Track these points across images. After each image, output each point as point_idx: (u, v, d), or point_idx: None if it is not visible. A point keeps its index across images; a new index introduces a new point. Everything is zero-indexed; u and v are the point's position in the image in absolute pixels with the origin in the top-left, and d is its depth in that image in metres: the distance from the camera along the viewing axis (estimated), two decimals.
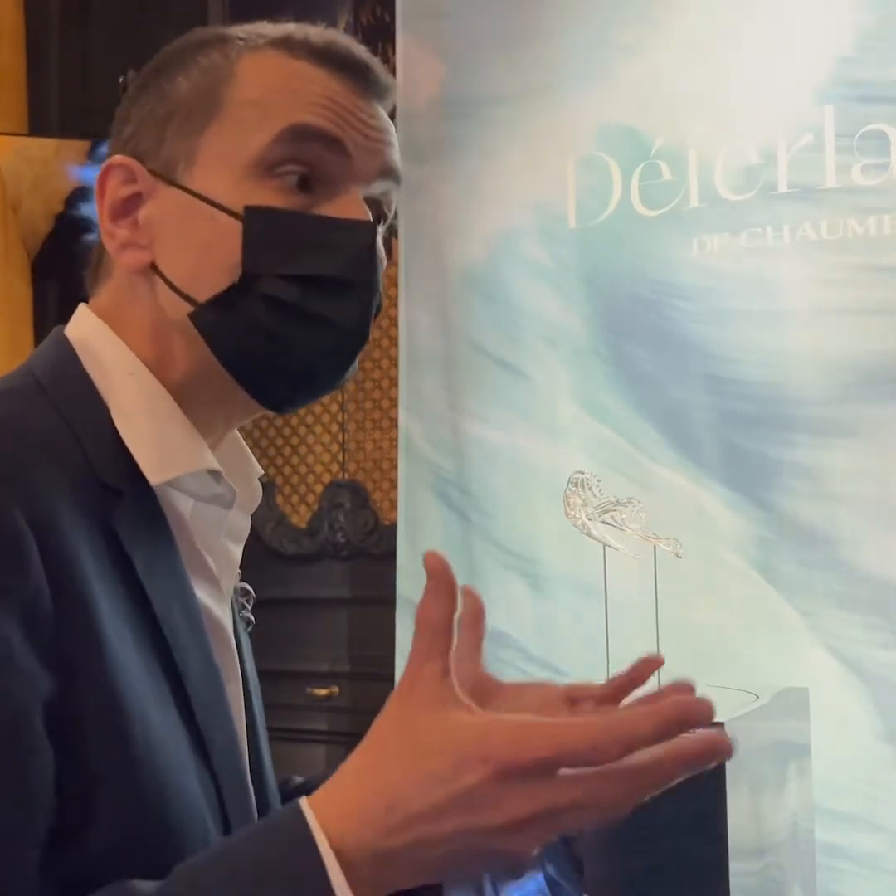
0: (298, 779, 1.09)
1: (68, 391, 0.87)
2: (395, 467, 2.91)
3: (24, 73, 3.62)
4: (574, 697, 0.84)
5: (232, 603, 0.97)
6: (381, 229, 0.93)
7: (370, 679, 3.11)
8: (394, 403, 3.00)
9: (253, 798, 0.90)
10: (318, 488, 3.42)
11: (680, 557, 1.92)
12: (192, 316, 0.87)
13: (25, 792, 0.72)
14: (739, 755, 1.82)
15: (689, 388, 2.48)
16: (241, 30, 0.92)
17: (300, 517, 3.44)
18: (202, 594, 0.88)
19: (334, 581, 3.35)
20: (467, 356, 2.75)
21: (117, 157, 0.91)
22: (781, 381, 2.39)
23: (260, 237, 0.86)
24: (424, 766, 0.66)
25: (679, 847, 1.76)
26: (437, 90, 2.81)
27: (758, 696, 1.98)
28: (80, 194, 3.41)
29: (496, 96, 2.72)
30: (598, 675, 2.26)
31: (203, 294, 0.87)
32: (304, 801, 0.67)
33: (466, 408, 2.75)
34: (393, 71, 3.01)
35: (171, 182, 0.89)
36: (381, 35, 3.28)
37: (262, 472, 1.00)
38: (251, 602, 1.02)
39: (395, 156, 0.92)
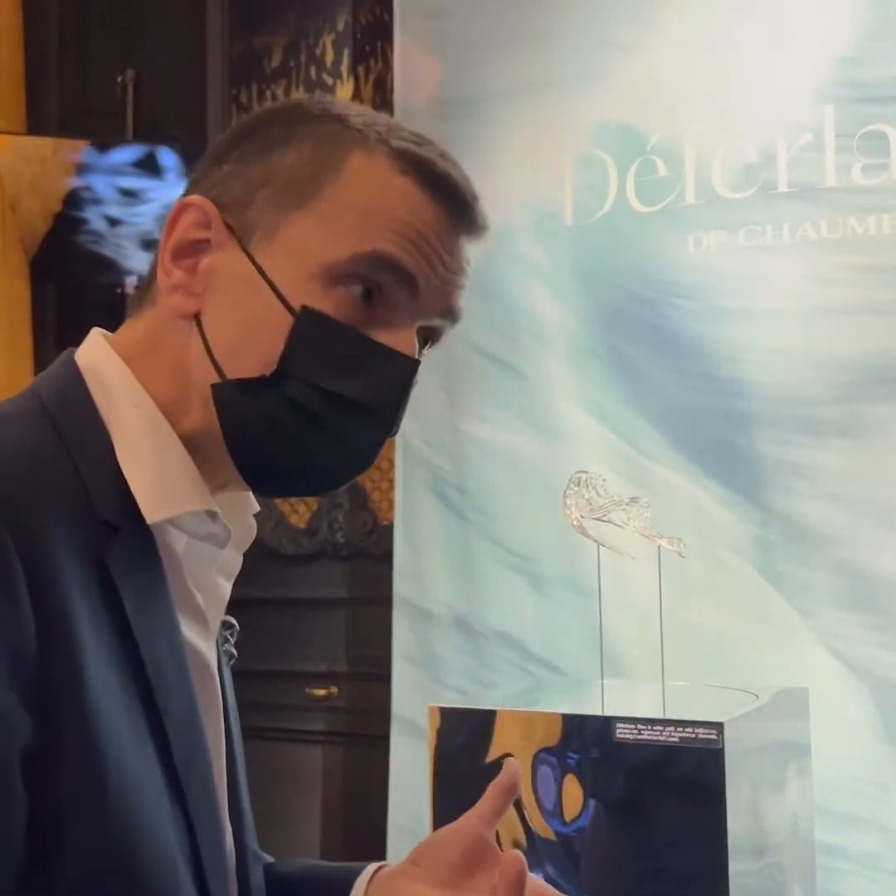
0: (268, 858, 1.08)
1: (72, 416, 0.86)
2: (394, 467, 2.91)
3: (23, 72, 3.62)
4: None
5: (216, 638, 0.97)
6: (424, 352, 0.93)
7: (368, 679, 3.10)
8: None
9: (229, 838, 0.91)
10: None
11: (683, 557, 1.92)
12: (214, 387, 0.87)
13: None
14: (739, 755, 1.83)
15: (688, 387, 2.48)
16: (363, 114, 0.91)
17: (299, 517, 3.43)
18: (189, 631, 0.88)
19: (333, 581, 3.34)
20: (465, 355, 2.74)
21: (198, 198, 0.89)
22: (780, 380, 2.39)
23: (306, 340, 0.86)
24: None
25: (678, 847, 1.76)
26: (435, 89, 2.81)
27: (757, 696, 1.98)
28: (77, 194, 3.41)
29: (494, 95, 2.72)
30: (595, 675, 2.25)
31: (233, 371, 0.87)
32: None
33: (464, 407, 2.74)
34: (391, 70, 3.01)
35: (244, 248, 0.87)
36: (379, 34, 3.28)
37: (259, 508, 0.99)
38: (234, 635, 1.01)
39: (461, 298, 0.93)
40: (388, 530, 3.00)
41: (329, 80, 3.42)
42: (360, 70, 3.34)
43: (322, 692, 3.25)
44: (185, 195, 0.91)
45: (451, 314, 0.93)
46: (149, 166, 3.37)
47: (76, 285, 3.44)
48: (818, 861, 2.14)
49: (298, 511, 3.44)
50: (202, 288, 0.88)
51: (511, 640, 2.64)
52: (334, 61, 3.40)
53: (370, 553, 3.27)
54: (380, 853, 2.78)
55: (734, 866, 1.71)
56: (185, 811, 0.82)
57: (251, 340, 0.87)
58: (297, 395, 0.86)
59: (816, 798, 2.13)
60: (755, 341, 2.42)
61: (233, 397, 0.87)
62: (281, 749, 3.30)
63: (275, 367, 0.86)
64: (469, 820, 0.93)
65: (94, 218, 3.37)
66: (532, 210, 2.68)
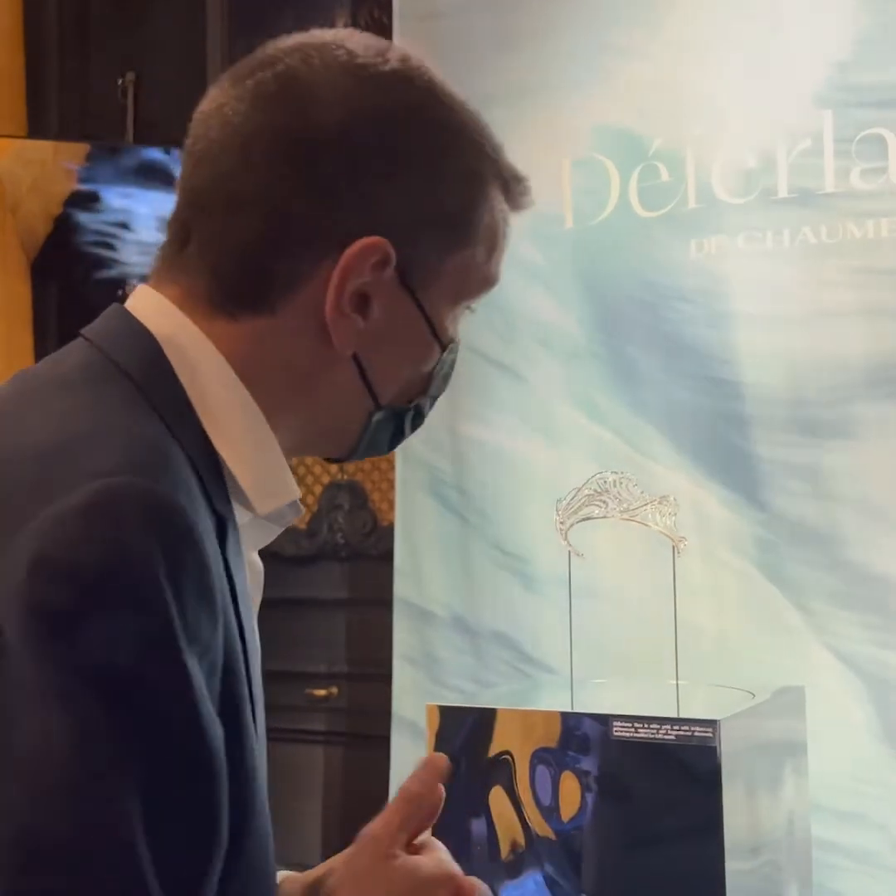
0: None
1: (163, 397, 0.81)
2: (394, 468, 2.92)
3: (23, 75, 3.62)
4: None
5: None
6: None
7: (369, 680, 3.11)
8: None
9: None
10: (317, 489, 3.42)
11: (679, 553, 1.94)
12: (372, 414, 0.91)
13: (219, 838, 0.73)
14: (735, 753, 1.84)
15: (688, 389, 2.49)
16: (483, 136, 0.94)
17: (299, 518, 3.44)
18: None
19: (333, 582, 3.35)
20: (464, 358, 2.72)
21: (381, 241, 0.85)
22: (780, 382, 2.40)
23: (443, 367, 0.95)
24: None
25: (675, 845, 1.77)
26: None
27: (754, 695, 1.99)
28: (78, 197, 3.42)
29: (493, 97, 2.71)
30: (590, 675, 2.27)
31: (386, 398, 0.91)
32: None
33: (464, 409, 2.75)
34: None
35: (409, 288, 0.88)
36: (378, 36, 3.28)
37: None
38: None
39: None
40: (388, 531, 3.00)
41: None
42: None
43: (322, 692, 3.26)
44: (333, 215, 0.85)
45: None
46: (149, 169, 3.38)
47: (76, 288, 3.45)
48: (816, 858, 2.15)
49: None
50: (368, 330, 0.88)
51: (509, 641, 2.65)
52: None
53: (370, 554, 3.28)
54: None
55: (731, 864, 1.72)
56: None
57: (412, 375, 0.93)
58: (423, 407, 0.96)
59: (815, 796, 2.14)
60: (755, 344, 2.43)
61: (383, 419, 0.92)
62: (281, 749, 3.29)
63: (424, 397, 0.95)
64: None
65: (94, 220, 3.38)
66: (531, 213, 2.67)
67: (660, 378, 2.52)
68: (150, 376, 0.81)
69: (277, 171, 0.84)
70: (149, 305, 0.86)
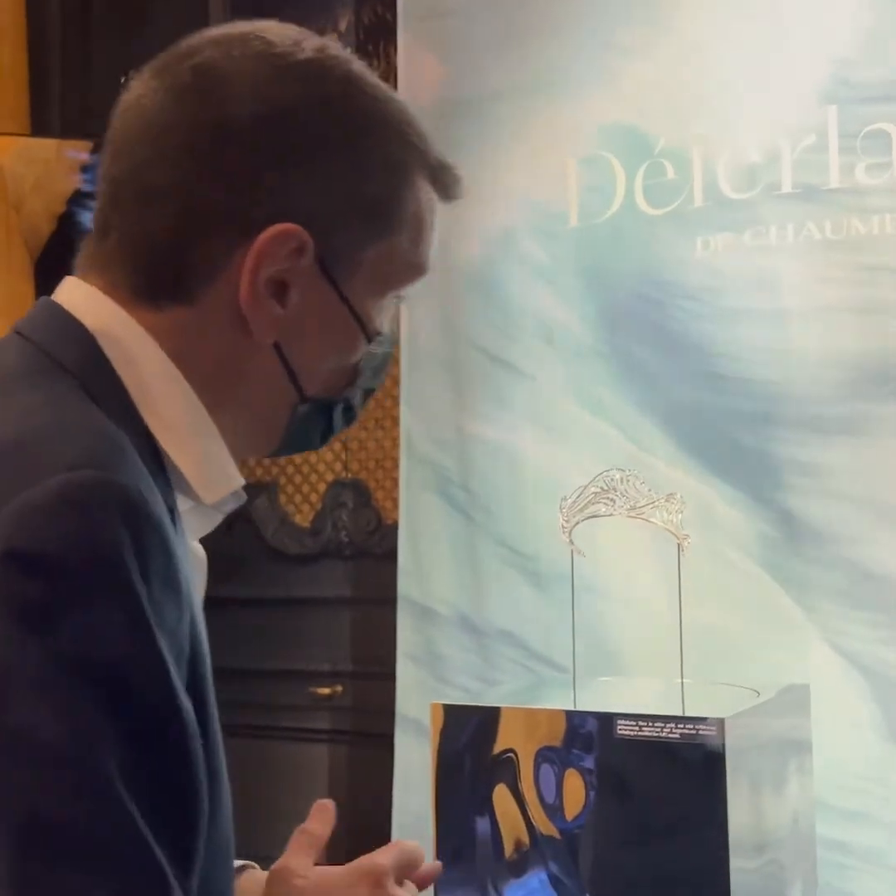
0: None
1: (103, 390, 0.81)
2: (398, 466, 2.91)
3: (26, 73, 3.62)
4: None
5: None
6: None
7: (372, 678, 3.11)
8: (396, 402, 3.00)
9: None
10: (321, 487, 3.42)
11: (683, 551, 1.94)
12: (296, 407, 0.90)
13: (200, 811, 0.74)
14: (740, 751, 1.83)
15: (693, 386, 2.49)
16: (407, 125, 0.90)
17: (303, 516, 3.44)
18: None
19: (337, 580, 3.35)
20: (469, 355, 2.75)
21: (294, 228, 0.84)
22: (785, 379, 2.39)
23: (373, 358, 0.93)
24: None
25: (679, 843, 1.77)
26: (439, 90, 2.82)
27: (759, 693, 1.99)
28: (81, 195, 3.42)
29: (497, 95, 2.72)
30: (598, 672, 2.26)
31: (311, 389, 0.90)
32: None
33: (468, 407, 2.75)
34: (394, 70, 3.02)
35: (333, 280, 0.88)
36: (382, 34, 3.28)
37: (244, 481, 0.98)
38: None
39: None
40: (392, 529, 3.00)
41: None
42: None
43: (326, 691, 3.26)
44: (244, 204, 0.85)
45: None
46: None
47: None
48: (821, 857, 2.15)
49: (302, 511, 3.44)
50: (288, 319, 0.87)
51: (514, 639, 2.64)
52: None
53: (374, 552, 3.28)
54: None
55: (735, 862, 1.72)
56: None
57: (338, 367, 0.91)
58: (354, 400, 0.94)
59: (820, 794, 2.14)
60: (761, 341, 2.42)
61: (309, 412, 0.91)
62: (285, 748, 3.30)
63: (352, 387, 0.93)
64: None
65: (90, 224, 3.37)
66: (536, 210, 2.68)
67: (665, 375, 2.52)
68: (88, 370, 0.82)
69: (190, 161, 0.85)
70: (78, 297, 0.86)
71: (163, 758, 0.71)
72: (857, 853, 2.25)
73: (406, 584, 2.81)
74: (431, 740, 1.96)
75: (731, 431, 2.44)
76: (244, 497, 0.93)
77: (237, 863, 0.98)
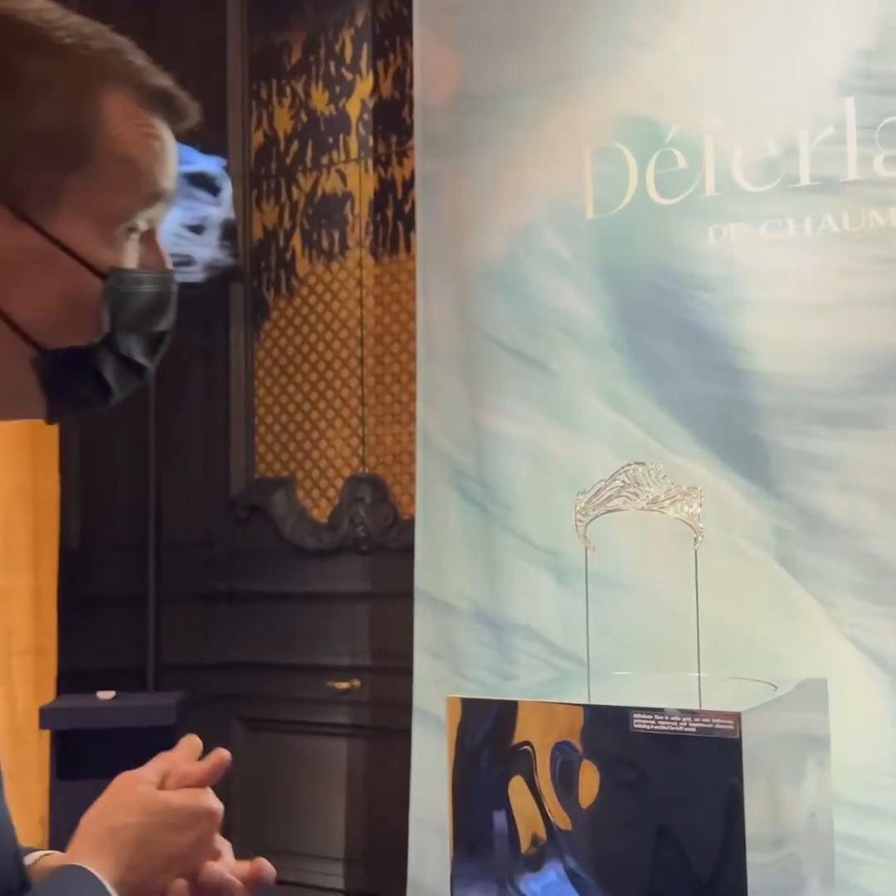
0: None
1: None
2: (415, 461, 2.92)
3: None
4: None
5: None
6: None
7: (390, 672, 3.12)
8: (412, 397, 3.01)
9: None
10: (339, 483, 3.43)
11: (698, 543, 1.95)
12: (35, 361, 0.84)
13: None
14: (756, 746, 1.82)
15: (709, 378, 2.48)
16: (68, 32, 0.84)
17: (321, 511, 3.45)
18: None
19: (354, 575, 3.36)
20: (485, 349, 2.75)
21: None
22: (801, 372, 2.39)
23: (124, 298, 0.86)
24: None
25: (696, 837, 1.76)
26: (455, 84, 2.82)
27: (776, 687, 1.98)
28: None
29: (513, 88, 2.72)
30: (618, 666, 2.25)
31: (54, 343, 0.84)
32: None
33: (485, 401, 2.75)
34: (410, 65, 3.02)
35: (27, 219, 0.82)
36: (398, 29, 3.28)
37: None
38: None
39: None
40: (409, 524, 3.01)
41: (348, 76, 3.42)
42: (380, 65, 3.35)
43: (344, 685, 3.27)
44: None
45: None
46: None
47: None
48: (838, 852, 2.14)
49: (320, 506, 3.45)
50: None
51: (532, 633, 2.64)
52: (353, 56, 3.40)
53: (391, 547, 3.28)
54: (402, 845, 2.79)
55: (752, 857, 1.71)
56: None
57: (70, 313, 0.85)
58: (124, 349, 0.87)
59: (837, 789, 2.13)
60: (776, 333, 2.42)
61: (58, 366, 0.85)
62: (303, 742, 3.31)
63: (103, 331, 0.85)
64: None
65: None
66: (553, 204, 2.68)
67: (680, 368, 2.51)
68: None
69: None
70: None
71: None
72: (876, 849, 2.24)
73: (423, 579, 2.82)
74: (448, 734, 1.96)
75: (747, 424, 2.44)
76: None
77: (36, 854, 0.97)
